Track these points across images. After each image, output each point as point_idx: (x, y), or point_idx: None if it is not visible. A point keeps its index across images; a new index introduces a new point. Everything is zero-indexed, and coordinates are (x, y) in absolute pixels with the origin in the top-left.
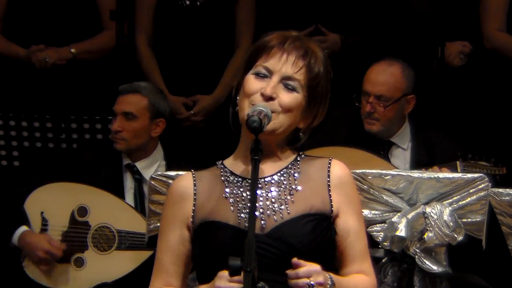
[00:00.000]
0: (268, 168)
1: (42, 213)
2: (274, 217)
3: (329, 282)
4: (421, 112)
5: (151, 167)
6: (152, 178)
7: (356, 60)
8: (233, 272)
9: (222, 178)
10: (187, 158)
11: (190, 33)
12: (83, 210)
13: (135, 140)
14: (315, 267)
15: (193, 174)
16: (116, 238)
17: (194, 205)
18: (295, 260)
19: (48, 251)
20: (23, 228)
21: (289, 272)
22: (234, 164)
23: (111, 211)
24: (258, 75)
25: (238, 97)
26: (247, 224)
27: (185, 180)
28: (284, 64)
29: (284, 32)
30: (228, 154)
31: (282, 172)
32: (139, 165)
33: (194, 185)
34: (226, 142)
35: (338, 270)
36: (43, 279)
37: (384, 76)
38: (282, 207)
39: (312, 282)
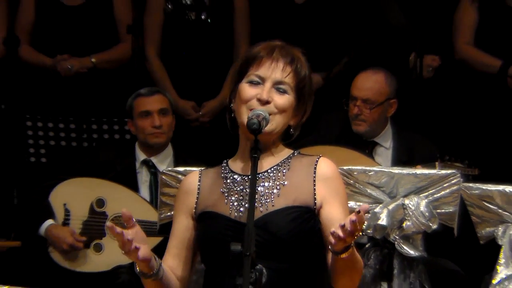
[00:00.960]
0: (261, 165)
1: (64, 204)
2: (261, 208)
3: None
4: (402, 116)
5: (165, 162)
6: (163, 173)
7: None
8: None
9: (222, 175)
10: (194, 154)
11: (196, 43)
12: (101, 202)
13: (170, 132)
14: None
15: (199, 172)
16: None
17: (197, 198)
18: (366, 206)
19: (71, 244)
20: (50, 221)
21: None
22: (234, 163)
23: (125, 202)
24: (251, 83)
25: (232, 104)
26: (236, 214)
27: (192, 177)
28: (274, 70)
29: (269, 42)
30: (229, 151)
31: (272, 169)
32: (154, 159)
33: (199, 181)
34: (228, 141)
35: (325, 253)
36: (67, 262)
37: (370, 82)
38: (268, 200)
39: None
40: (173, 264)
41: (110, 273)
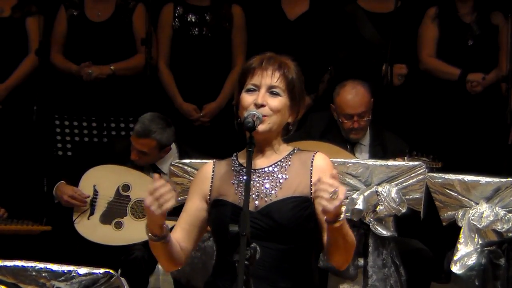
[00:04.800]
0: (266, 161)
1: (94, 185)
2: (265, 199)
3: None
4: (377, 117)
5: (167, 162)
6: (171, 165)
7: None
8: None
9: (232, 168)
10: (197, 149)
11: (199, 55)
12: (126, 187)
13: (149, 161)
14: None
15: (213, 163)
16: None
17: (211, 185)
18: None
19: (71, 195)
20: (60, 182)
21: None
22: (242, 157)
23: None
24: (249, 91)
25: (238, 111)
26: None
27: (208, 166)
28: (265, 77)
29: (260, 55)
30: (227, 146)
31: (275, 164)
32: (158, 164)
33: (213, 171)
34: (226, 137)
35: (321, 236)
36: (89, 235)
37: (359, 98)
38: (272, 192)
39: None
40: (180, 235)
41: (125, 249)
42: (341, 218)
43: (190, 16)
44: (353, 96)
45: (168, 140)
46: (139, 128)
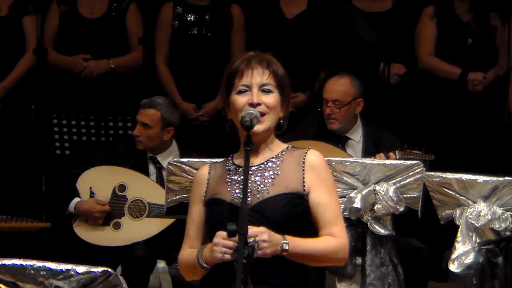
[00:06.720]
0: (257, 159)
1: (90, 188)
2: (257, 196)
3: (282, 241)
4: (372, 114)
5: (168, 158)
6: (169, 163)
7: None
8: (230, 234)
9: (227, 167)
10: (196, 148)
11: (197, 54)
12: (122, 187)
13: (150, 142)
14: (260, 228)
15: (209, 165)
16: (147, 209)
17: (206, 187)
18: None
19: (100, 211)
20: (76, 199)
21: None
22: (237, 157)
23: (144, 188)
24: (240, 92)
25: (227, 113)
26: (237, 201)
27: (203, 169)
28: (256, 76)
29: (245, 56)
30: (225, 145)
31: (267, 161)
32: (159, 157)
33: (208, 173)
34: (224, 136)
35: (318, 234)
36: (89, 237)
37: (337, 86)
38: (264, 188)
39: (256, 239)
40: (196, 246)
41: (127, 248)
42: (283, 252)
43: (190, 15)
44: (333, 83)
45: (172, 117)
46: (146, 100)
